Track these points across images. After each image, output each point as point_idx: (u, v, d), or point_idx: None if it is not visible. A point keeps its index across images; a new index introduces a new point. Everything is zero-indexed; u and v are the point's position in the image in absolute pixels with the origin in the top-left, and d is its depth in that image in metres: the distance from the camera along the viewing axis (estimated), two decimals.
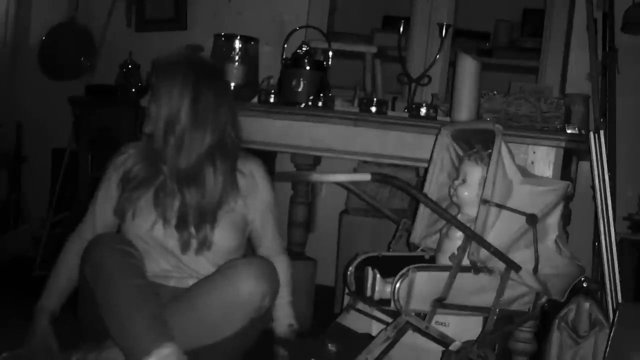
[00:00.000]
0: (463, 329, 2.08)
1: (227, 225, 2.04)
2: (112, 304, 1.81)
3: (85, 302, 1.95)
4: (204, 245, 2.00)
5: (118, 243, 1.93)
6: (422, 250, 2.28)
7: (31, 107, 4.16)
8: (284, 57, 2.77)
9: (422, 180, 2.38)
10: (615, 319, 2.27)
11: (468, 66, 2.53)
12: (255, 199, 2.10)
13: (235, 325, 1.90)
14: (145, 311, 1.80)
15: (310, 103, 2.64)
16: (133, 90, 3.50)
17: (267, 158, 3.31)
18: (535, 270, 2.00)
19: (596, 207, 2.64)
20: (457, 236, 2.03)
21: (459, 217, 2.10)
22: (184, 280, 2.02)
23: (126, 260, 1.87)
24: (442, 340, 1.99)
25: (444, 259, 2.08)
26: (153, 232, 2.00)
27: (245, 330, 1.93)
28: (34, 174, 4.13)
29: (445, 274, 1.94)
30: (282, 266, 2.13)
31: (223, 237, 2.03)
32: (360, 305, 2.14)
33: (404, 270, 1.91)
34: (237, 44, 2.80)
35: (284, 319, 2.13)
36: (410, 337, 2.00)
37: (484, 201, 1.97)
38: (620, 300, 2.49)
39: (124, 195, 2.05)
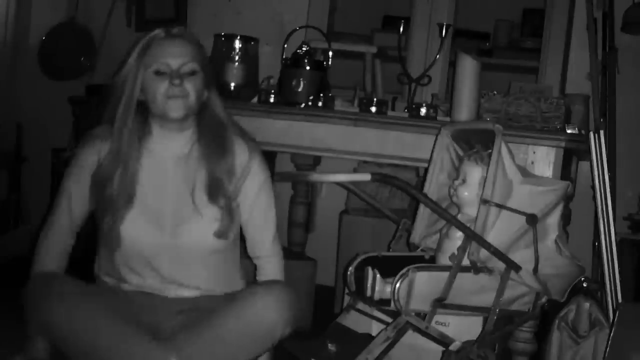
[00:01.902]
0: (463, 329, 2.08)
1: (213, 219, 1.94)
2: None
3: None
4: (192, 240, 1.92)
5: (63, 285, 1.84)
6: (422, 250, 2.29)
7: (31, 107, 4.16)
8: (284, 57, 2.77)
9: (422, 180, 2.38)
10: (615, 319, 2.28)
11: (468, 66, 2.53)
12: (246, 188, 2.00)
13: (253, 353, 1.85)
14: (140, 346, 1.75)
15: (310, 103, 2.64)
16: None
17: (267, 158, 3.32)
18: (535, 270, 2.00)
19: (596, 207, 2.64)
20: (457, 236, 2.03)
21: (459, 217, 2.10)
22: (181, 289, 1.94)
23: (88, 301, 1.79)
24: (442, 340, 1.99)
25: (444, 259, 2.08)
26: (143, 239, 1.90)
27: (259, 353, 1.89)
28: (34, 174, 4.13)
29: (445, 274, 1.94)
30: (273, 269, 2.05)
31: (208, 232, 1.93)
32: (360, 305, 2.14)
33: (404, 270, 1.91)
34: (237, 44, 2.79)
35: None
36: (410, 337, 2.00)
37: (484, 201, 1.97)
38: (620, 300, 2.49)
39: (110, 221, 1.90)
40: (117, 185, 1.89)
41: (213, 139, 1.96)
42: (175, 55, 1.88)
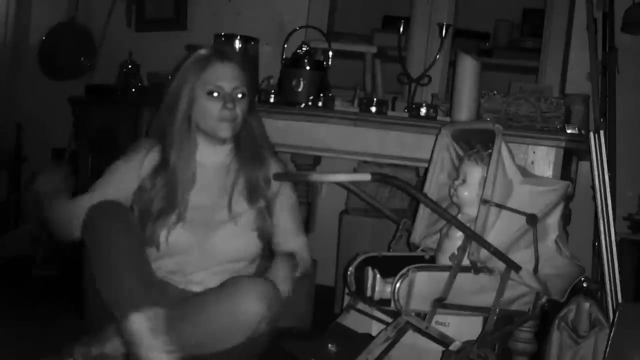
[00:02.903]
0: (463, 329, 2.08)
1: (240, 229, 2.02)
2: (108, 258, 1.79)
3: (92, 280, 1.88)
4: (222, 246, 1.99)
5: (120, 211, 1.89)
6: (422, 250, 2.28)
7: (31, 107, 4.16)
8: (284, 57, 2.78)
9: (422, 180, 2.38)
10: (615, 319, 2.28)
11: (468, 66, 2.53)
12: (278, 206, 2.10)
13: (233, 341, 1.86)
14: (142, 270, 1.81)
15: (310, 103, 2.65)
16: (133, 90, 3.49)
17: None
18: (536, 270, 1.99)
19: (596, 207, 2.64)
20: (457, 236, 2.03)
21: (459, 217, 2.10)
22: (190, 285, 1.99)
23: (125, 224, 1.85)
24: (442, 340, 1.99)
25: (444, 259, 2.08)
26: (171, 236, 1.97)
27: (242, 346, 1.89)
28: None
29: (445, 274, 1.94)
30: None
31: (238, 239, 2.02)
32: (360, 305, 2.14)
33: (404, 270, 1.91)
34: (237, 44, 2.80)
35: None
36: (410, 337, 2.00)
37: (484, 201, 1.97)
38: (620, 300, 2.49)
39: (154, 228, 1.97)
40: (164, 200, 1.97)
41: (251, 152, 2.07)
42: (229, 79, 1.99)
